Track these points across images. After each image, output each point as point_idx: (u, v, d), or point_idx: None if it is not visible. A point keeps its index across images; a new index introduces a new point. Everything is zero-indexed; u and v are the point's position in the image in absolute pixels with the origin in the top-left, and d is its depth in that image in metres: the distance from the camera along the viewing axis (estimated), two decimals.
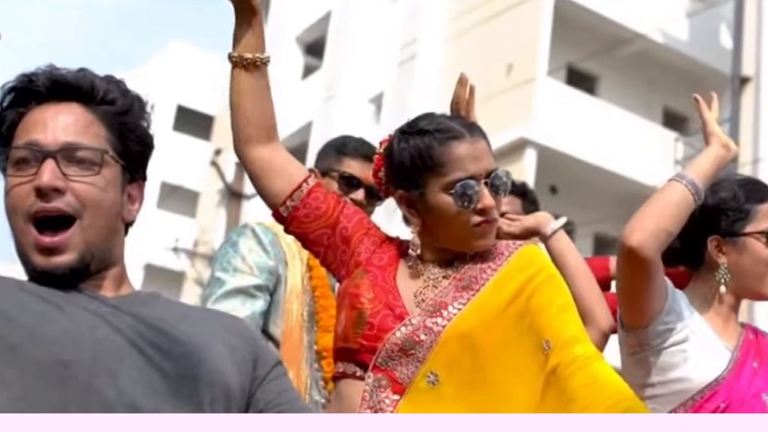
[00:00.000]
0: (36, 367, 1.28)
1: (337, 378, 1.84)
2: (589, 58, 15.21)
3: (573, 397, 1.69)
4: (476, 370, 1.73)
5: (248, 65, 1.82)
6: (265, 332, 2.42)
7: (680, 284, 2.17)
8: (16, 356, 1.28)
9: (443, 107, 2.06)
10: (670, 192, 2.02)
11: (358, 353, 1.77)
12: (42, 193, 1.39)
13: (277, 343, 2.42)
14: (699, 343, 2.06)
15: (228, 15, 1.82)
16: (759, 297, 2.21)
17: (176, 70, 27.07)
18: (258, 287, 2.42)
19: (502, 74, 14.52)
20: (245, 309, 2.37)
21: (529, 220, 2.43)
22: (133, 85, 1.54)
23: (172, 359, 1.36)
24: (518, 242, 1.91)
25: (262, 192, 1.89)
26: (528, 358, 1.75)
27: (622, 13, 15.28)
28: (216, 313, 1.61)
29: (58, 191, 1.40)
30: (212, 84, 24.28)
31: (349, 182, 2.57)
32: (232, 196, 16.21)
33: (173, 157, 24.46)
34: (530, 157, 13.98)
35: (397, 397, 1.73)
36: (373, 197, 2.56)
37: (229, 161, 17.78)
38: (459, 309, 1.76)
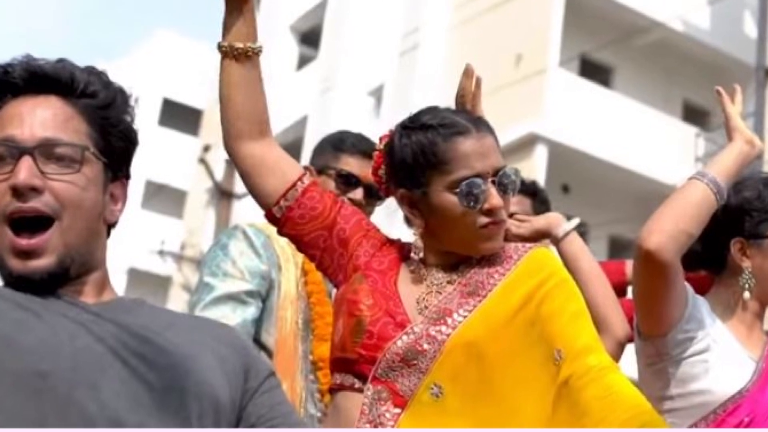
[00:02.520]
0: (12, 378, 1.28)
1: (334, 390, 1.84)
2: (604, 47, 15.22)
3: (586, 410, 1.69)
4: (483, 382, 1.73)
5: (239, 55, 1.82)
6: (257, 341, 2.42)
7: (701, 290, 2.17)
8: None
9: (447, 100, 2.06)
10: (691, 191, 2.02)
11: (357, 364, 1.77)
12: (18, 192, 1.39)
13: (269, 353, 2.42)
14: (721, 353, 2.07)
15: (217, 2, 1.83)
16: None
17: (162, 60, 27.09)
18: (249, 293, 2.42)
19: (511, 65, 14.53)
20: (236, 316, 2.37)
21: (540, 222, 2.43)
22: (116, 77, 1.55)
23: (158, 370, 1.36)
24: (528, 245, 1.91)
25: (254, 191, 1.89)
26: (538, 369, 1.75)
27: (639, 0, 15.29)
28: (204, 321, 1.61)
29: (36, 190, 1.40)
30: (201, 76, 24.29)
31: (347, 181, 2.57)
32: (222, 195, 16.22)
33: (159, 154, 24.48)
34: (541, 153, 14.00)
35: (398, 410, 1.73)
36: (373, 197, 2.56)
37: (218, 158, 17.79)
38: (464, 316, 1.77)
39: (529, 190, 2.86)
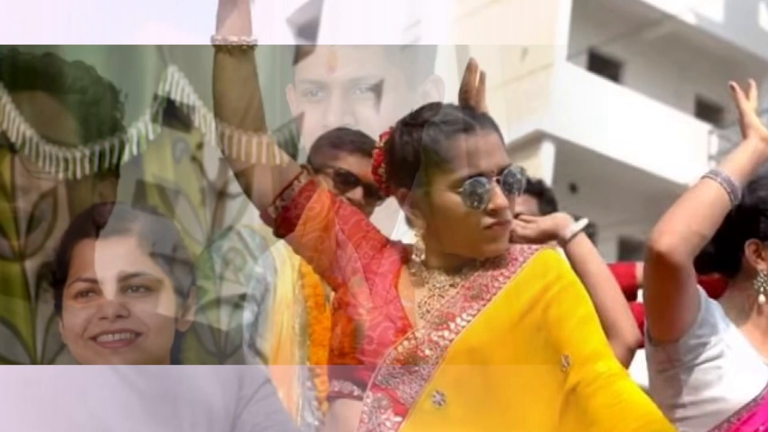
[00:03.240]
0: None
1: (332, 398, 1.84)
2: (614, 41, 15.21)
3: (595, 419, 1.69)
4: (487, 389, 1.73)
5: (233, 50, 1.82)
6: (252, 347, 2.42)
7: (714, 293, 2.17)
8: None
9: (450, 96, 2.06)
10: (703, 191, 2.02)
11: (356, 370, 1.77)
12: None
13: (265, 359, 2.42)
14: (735, 359, 2.06)
15: None
16: None
17: None
18: (244, 297, 2.42)
19: (516, 59, 14.52)
20: (230, 321, 2.37)
21: (546, 222, 2.43)
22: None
23: (149, 377, 1.36)
24: (534, 246, 1.91)
25: (249, 191, 1.89)
26: (545, 376, 1.75)
27: None
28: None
29: (26, 194, 1.40)
30: None
31: (346, 180, 2.56)
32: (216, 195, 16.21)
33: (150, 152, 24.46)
34: (547, 151, 13.98)
35: (399, 419, 1.73)
36: (372, 196, 2.55)
37: (212, 156, 17.80)
38: (468, 321, 1.77)
39: (535, 189, 2.86)
